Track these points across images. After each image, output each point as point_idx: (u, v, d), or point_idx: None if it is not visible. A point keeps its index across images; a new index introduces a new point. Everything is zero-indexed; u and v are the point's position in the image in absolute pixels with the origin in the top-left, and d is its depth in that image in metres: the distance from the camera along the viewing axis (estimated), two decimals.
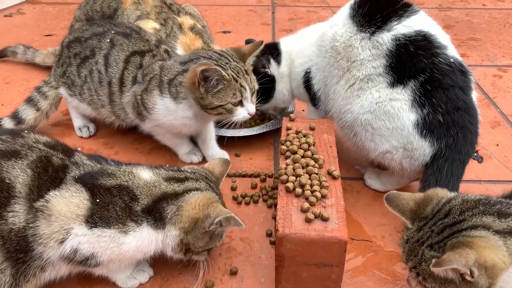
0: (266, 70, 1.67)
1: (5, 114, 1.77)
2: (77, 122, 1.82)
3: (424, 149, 1.31)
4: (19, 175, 1.02)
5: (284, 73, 1.69)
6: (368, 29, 1.37)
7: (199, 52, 1.62)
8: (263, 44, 1.53)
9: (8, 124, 1.70)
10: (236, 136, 1.74)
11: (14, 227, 0.99)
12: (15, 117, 1.72)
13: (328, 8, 3.17)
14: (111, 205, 1.04)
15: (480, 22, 2.96)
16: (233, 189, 1.55)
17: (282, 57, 1.68)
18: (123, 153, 1.73)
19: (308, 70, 1.60)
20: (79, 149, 1.21)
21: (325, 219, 1.07)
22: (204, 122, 1.57)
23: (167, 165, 1.21)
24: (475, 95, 1.37)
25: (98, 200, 1.04)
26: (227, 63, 1.43)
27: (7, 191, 1.00)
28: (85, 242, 1.03)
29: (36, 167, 1.04)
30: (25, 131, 1.14)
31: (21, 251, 1.01)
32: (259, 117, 1.89)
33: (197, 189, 1.12)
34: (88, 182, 1.06)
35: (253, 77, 1.50)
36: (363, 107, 1.37)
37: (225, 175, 1.26)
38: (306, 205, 1.10)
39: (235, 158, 1.71)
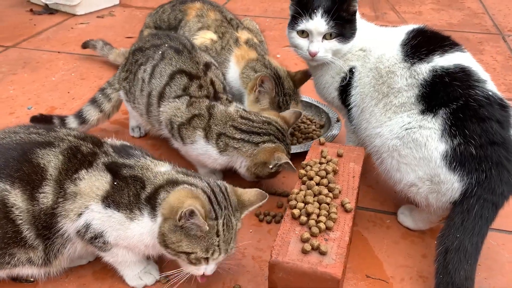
0: (354, 5, 1.46)
1: (74, 108, 1.93)
2: (132, 122, 1.94)
3: (452, 183, 1.22)
4: (52, 160, 1.14)
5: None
6: (411, 60, 1.35)
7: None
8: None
9: (73, 123, 1.82)
10: None
11: (43, 206, 1.11)
12: (79, 116, 1.83)
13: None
14: (125, 191, 1.12)
15: None
16: None
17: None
18: (166, 156, 1.80)
19: (353, 69, 1.49)
20: (107, 139, 1.30)
21: (322, 253, 1.03)
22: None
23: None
24: None
25: (115, 183, 1.13)
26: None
27: (41, 174, 1.12)
28: (98, 218, 1.12)
29: (67, 154, 1.16)
30: (58, 127, 1.25)
31: (47, 227, 1.13)
32: (301, 135, 1.87)
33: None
34: (113, 170, 1.16)
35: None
36: (392, 132, 1.32)
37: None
38: (307, 235, 1.07)
39: None
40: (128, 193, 1.12)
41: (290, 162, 1.43)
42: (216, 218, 1.08)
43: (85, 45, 2.56)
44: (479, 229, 1.17)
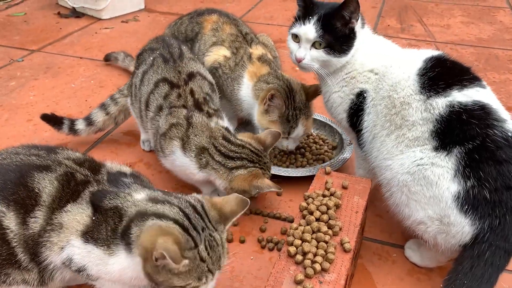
0: (353, 22, 1.41)
1: None
2: (142, 135, 1.95)
3: (462, 226, 1.17)
4: (47, 186, 1.13)
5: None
6: (427, 93, 1.28)
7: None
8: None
9: (81, 125, 1.87)
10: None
11: (31, 232, 1.10)
12: (87, 118, 1.89)
13: (433, 43, 2.94)
14: (103, 226, 1.09)
15: None
16: (262, 230, 1.52)
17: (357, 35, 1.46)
18: (170, 173, 1.77)
19: (364, 94, 1.43)
20: (107, 163, 1.27)
21: None
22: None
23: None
24: None
25: (94, 218, 1.10)
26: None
27: (34, 199, 1.11)
28: (78, 254, 1.10)
29: (62, 180, 1.14)
30: (60, 148, 1.24)
31: (35, 254, 1.12)
32: (312, 157, 1.83)
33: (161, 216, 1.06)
34: (96, 201, 1.12)
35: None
36: (403, 166, 1.27)
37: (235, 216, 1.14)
38: (301, 276, 1.03)
39: (275, 196, 1.68)
40: (106, 228, 1.09)
41: (272, 185, 1.43)
42: (196, 246, 1.02)
43: (107, 58, 2.60)
44: (489, 277, 1.12)
